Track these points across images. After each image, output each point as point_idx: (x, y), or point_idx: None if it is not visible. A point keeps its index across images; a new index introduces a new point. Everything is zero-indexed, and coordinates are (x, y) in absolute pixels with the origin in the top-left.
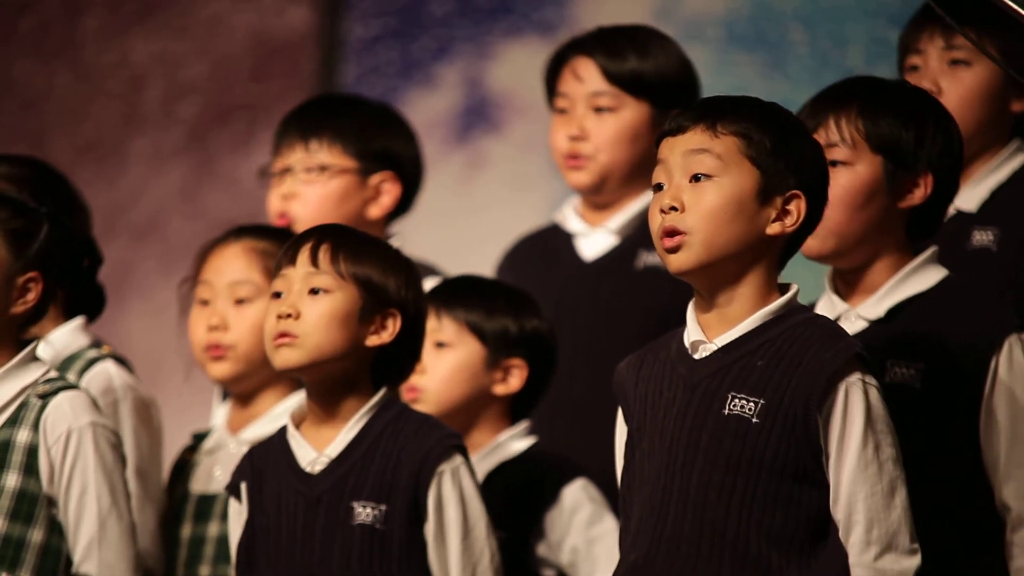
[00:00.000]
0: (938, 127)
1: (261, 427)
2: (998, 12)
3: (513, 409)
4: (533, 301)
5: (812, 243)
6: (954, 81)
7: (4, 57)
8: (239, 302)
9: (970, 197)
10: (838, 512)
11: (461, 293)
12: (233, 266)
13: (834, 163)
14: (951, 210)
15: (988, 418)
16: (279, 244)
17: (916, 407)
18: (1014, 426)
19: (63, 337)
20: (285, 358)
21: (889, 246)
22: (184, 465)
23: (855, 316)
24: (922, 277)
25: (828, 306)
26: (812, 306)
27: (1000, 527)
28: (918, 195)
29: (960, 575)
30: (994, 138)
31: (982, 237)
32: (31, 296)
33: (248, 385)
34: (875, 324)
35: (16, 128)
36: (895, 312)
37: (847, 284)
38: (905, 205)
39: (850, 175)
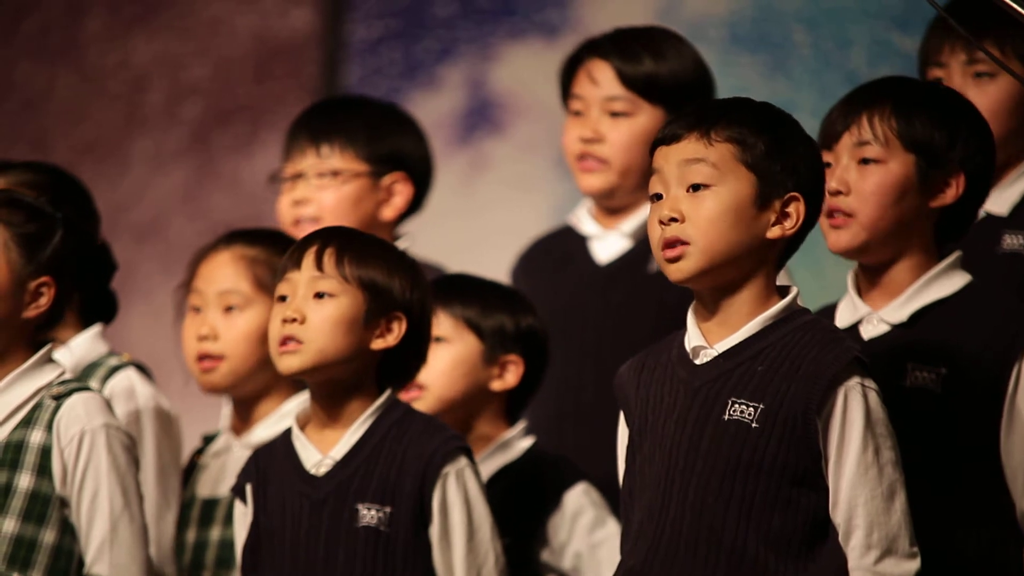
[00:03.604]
0: (971, 128)
1: (265, 430)
2: (1010, 20)
3: (509, 409)
4: (527, 300)
5: (842, 237)
6: (979, 93)
7: (6, 58)
8: (228, 310)
9: (1001, 201)
10: (838, 516)
11: (457, 290)
12: (222, 274)
13: (866, 161)
14: (981, 213)
15: (1009, 425)
16: (270, 251)
17: (936, 412)
18: None
19: (83, 345)
20: (288, 364)
21: (916, 246)
22: (192, 469)
23: (877, 319)
24: (946, 282)
25: (850, 308)
26: (825, 309)
27: (1019, 534)
28: (950, 195)
29: None
30: (1022, 145)
31: (1013, 241)
32: (43, 301)
33: (244, 392)
34: (897, 328)
35: (18, 129)
36: (917, 316)
37: (870, 283)
38: (936, 204)
39: (882, 173)
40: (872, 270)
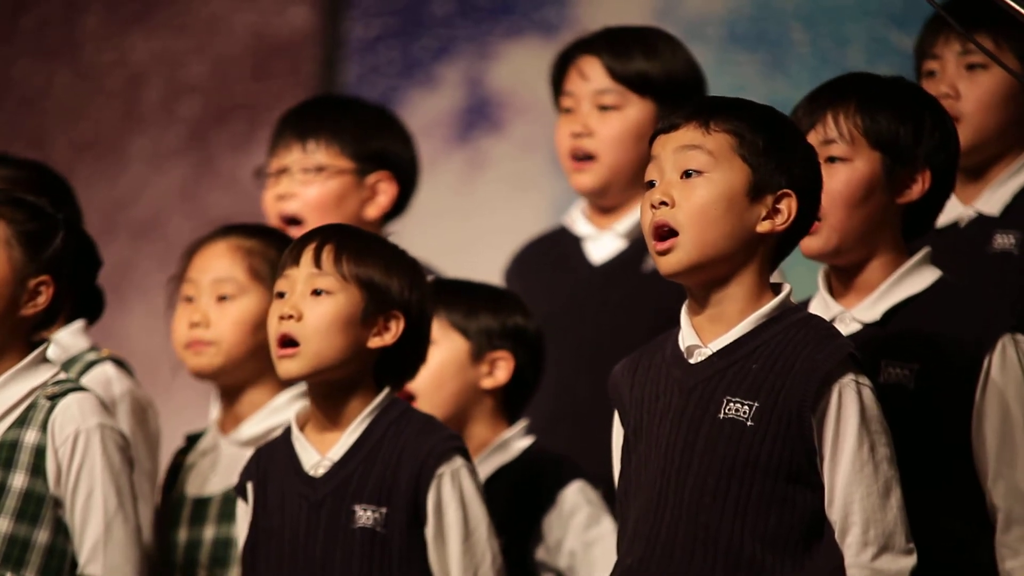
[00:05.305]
0: (935, 123)
1: (252, 427)
2: (1006, 17)
3: (506, 410)
4: (516, 299)
5: (814, 242)
6: (972, 85)
7: (4, 56)
8: (221, 299)
9: (992, 201)
10: (833, 513)
11: (443, 295)
12: (217, 264)
13: (832, 159)
14: (972, 213)
15: (980, 418)
16: (265, 243)
17: (911, 408)
18: (1005, 426)
19: (64, 339)
20: (287, 369)
21: (885, 244)
22: (179, 468)
23: (850, 318)
24: (916, 279)
25: (822, 306)
26: (805, 304)
27: (993, 527)
28: (916, 191)
29: (954, 575)
30: (1014, 141)
31: (1004, 240)
32: (41, 300)
33: (231, 380)
34: (870, 326)
35: (16, 127)
36: (890, 314)
37: (841, 283)
38: (903, 201)
39: (848, 171)
40: (843, 269)
